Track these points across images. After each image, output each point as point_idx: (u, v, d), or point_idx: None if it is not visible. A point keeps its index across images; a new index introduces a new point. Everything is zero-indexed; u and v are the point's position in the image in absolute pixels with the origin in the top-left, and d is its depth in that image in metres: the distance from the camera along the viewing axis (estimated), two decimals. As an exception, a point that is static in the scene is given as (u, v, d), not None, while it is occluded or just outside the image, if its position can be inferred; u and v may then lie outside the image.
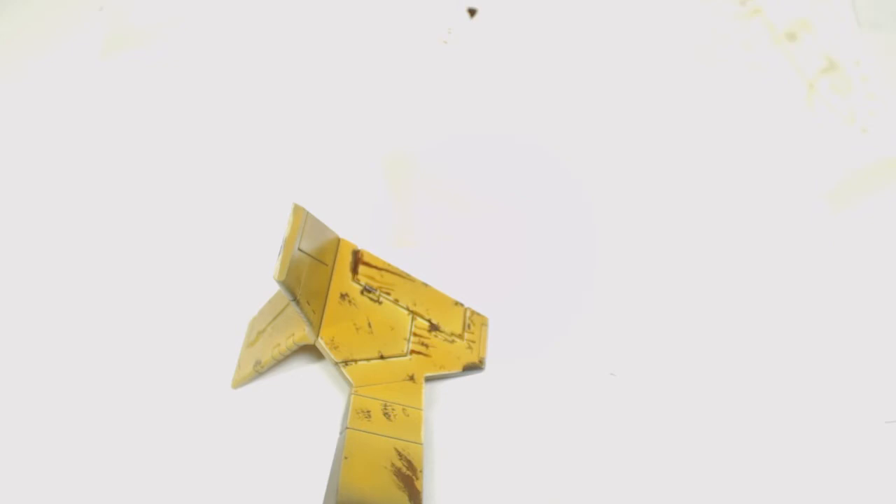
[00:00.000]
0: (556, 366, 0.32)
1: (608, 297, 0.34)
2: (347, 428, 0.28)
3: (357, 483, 0.27)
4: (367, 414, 0.29)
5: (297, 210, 0.29)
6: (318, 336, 0.30)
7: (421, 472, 0.29)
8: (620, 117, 0.39)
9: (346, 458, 0.28)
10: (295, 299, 0.28)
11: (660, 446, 0.30)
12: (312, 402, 0.32)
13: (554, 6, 0.44)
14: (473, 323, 0.33)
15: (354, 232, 0.32)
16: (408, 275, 0.33)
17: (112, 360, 0.32)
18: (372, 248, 0.33)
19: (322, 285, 0.30)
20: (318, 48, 0.44)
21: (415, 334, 0.32)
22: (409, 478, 0.28)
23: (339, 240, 0.32)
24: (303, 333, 0.30)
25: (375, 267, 0.32)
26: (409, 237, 0.35)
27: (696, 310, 0.33)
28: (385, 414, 0.29)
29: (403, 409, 0.30)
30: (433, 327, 0.32)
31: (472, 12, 0.44)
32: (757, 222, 0.35)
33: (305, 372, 0.32)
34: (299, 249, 0.28)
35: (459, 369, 0.32)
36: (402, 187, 0.38)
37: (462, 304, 0.33)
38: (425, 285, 0.33)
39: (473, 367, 0.32)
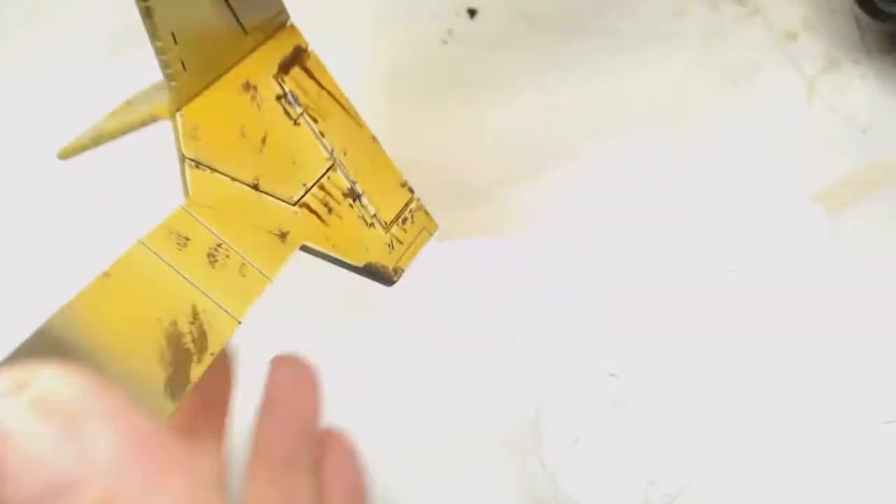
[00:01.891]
0: (557, 366, 0.32)
1: (608, 296, 0.34)
2: (138, 239, 0.18)
3: (93, 318, 0.17)
4: (183, 241, 0.18)
5: None
6: (177, 109, 0.20)
7: (209, 357, 0.18)
8: (620, 118, 0.39)
9: (106, 274, 0.17)
10: (147, 10, 0.18)
11: (657, 448, 0.30)
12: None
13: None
14: (414, 220, 0.24)
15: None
16: (358, 115, 0.23)
17: None
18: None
19: (225, 54, 0.20)
20: (317, 48, 0.44)
21: (322, 187, 0.22)
22: (185, 355, 0.18)
23: (286, 21, 0.22)
24: (166, 104, 0.20)
25: (316, 81, 0.22)
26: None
27: (695, 310, 0.33)
28: (210, 255, 0.19)
29: (242, 265, 0.19)
30: (352, 193, 0.22)
31: (472, 13, 0.44)
32: (756, 222, 0.35)
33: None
34: None
35: (359, 263, 0.22)
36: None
37: (411, 191, 0.24)
38: (374, 140, 0.23)
39: (381, 273, 0.22)
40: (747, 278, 0.34)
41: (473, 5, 0.44)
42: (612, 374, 0.32)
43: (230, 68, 0.20)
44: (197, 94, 0.20)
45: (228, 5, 0.20)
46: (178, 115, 0.20)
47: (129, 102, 0.24)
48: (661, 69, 0.40)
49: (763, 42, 0.41)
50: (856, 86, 0.39)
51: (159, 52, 0.19)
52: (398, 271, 0.23)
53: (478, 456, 0.31)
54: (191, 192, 0.19)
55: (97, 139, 0.21)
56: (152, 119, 0.20)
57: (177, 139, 0.20)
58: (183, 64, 0.19)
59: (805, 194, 0.36)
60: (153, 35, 0.18)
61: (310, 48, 0.22)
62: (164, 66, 0.19)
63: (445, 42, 0.43)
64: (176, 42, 0.19)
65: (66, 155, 0.23)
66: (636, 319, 0.33)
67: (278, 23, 0.22)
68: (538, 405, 0.31)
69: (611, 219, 0.36)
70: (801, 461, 0.29)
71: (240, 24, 0.20)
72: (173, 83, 0.19)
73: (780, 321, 0.32)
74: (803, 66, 0.40)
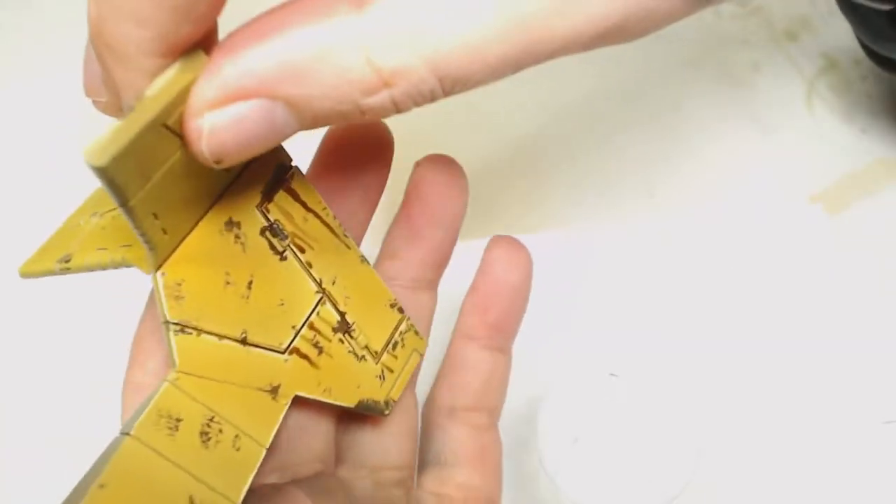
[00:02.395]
0: (557, 366, 0.32)
1: (608, 296, 0.34)
2: (129, 434, 0.17)
3: None
4: (175, 424, 0.17)
5: (196, 61, 0.16)
6: (157, 268, 0.18)
7: None
8: (620, 118, 0.39)
9: (101, 485, 0.16)
10: (125, 205, 0.16)
11: (657, 447, 0.30)
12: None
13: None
14: (404, 343, 0.22)
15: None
16: (346, 235, 0.21)
17: None
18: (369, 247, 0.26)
19: (202, 194, 0.18)
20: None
21: (312, 326, 0.20)
22: None
23: None
24: (144, 253, 0.18)
25: (303, 203, 0.20)
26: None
27: (695, 310, 0.33)
28: (203, 434, 0.18)
29: (236, 437, 0.18)
30: (342, 326, 0.21)
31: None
32: (756, 222, 0.35)
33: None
34: (166, 126, 0.16)
35: (352, 404, 0.21)
36: (404, 188, 0.38)
37: (401, 311, 0.22)
38: (363, 261, 0.21)
39: (372, 409, 0.21)
40: (747, 278, 0.34)
41: (473, 5, 0.44)
42: (612, 374, 0.32)
43: (211, 207, 0.19)
44: (177, 246, 0.18)
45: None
46: (158, 276, 0.18)
47: (93, 210, 0.21)
48: (661, 69, 0.40)
49: (763, 42, 0.41)
50: (856, 86, 0.39)
51: (142, 234, 0.17)
52: (389, 404, 0.22)
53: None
54: (178, 363, 0.18)
55: (65, 269, 0.19)
56: (127, 266, 0.18)
57: (159, 303, 0.18)
58: (164, 230, 0.17)
59: (805, 194, 0.36)
60: (136, 226, 0.17)
61: (293, 164, 0.20)
62: (144, 239, 0.17)
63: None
64: (157, 218, 0.17)
65: (28, 274, 0.21)
66: (636, 319, 0.33)
67: None
68: (538, 405, 0.31)
69: (610, 219, 0.36)
70: (801, 461, 0.29)
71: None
72: (154, 250, 0.17)
73: (780, 321, 0.32)
74: (803, 66, 0.40)
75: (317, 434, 0.21)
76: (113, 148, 0.15)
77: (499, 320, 0.23)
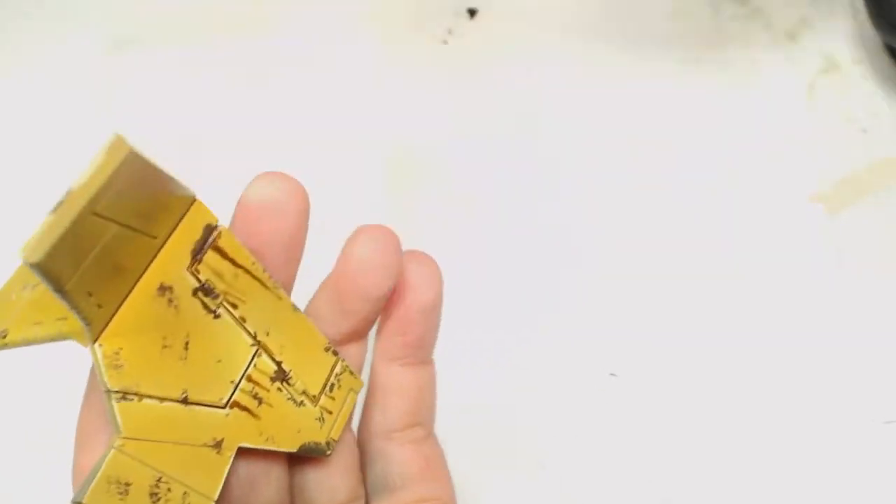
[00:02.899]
0: (557, 366, 0.32)
1: (608, 296, 0.34)
2: (81, 503, 0.18)
3: None
4: (124, 489, 0.18)
5: (118, 147, 0.17)
6: (95, 340, 0.19)
7: None
8: (620, 118, 0.39)
9: None
10: (61, 291, 0.17)
11: (658, 447, 0.30)
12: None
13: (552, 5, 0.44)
14: (340, 384, 0.23)
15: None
16: (277, 287, 0.22)
17: None
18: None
19: (134, 264, 0.19)
20: (318, 48, 0.44)
21: (250, 379, 0.21)
22: None
23: (192, 201, 0.20)
24: (80, 326, 0.19)
25: (232, 261, 0.21)
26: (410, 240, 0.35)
27: (695, 309, 0.33)
28: (153, 495, 0.19)
29: (185, 494, 0.19)
30: (280, 375, 0.21)
31: (472, 13, 0.44)
32: (756, 222, 0.35)
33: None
34: (96, 214, 0.17)
35: (294, 448, 0.22)
36: (405, 190, 0.39)
37: (336, 354, 0.23)
38: (295, 310, 0.22)
39: (314, 450, 0.22)
40: (747, 278, 0.34)
41: (473, 5, 0.44)
42: (612, 374, 0.32)
43: (142, 275, 0.19)
44: (112, 316, 0.19)
45: (132, 229, 0.19)
46: (96, 348, 0.19)
47: (24, 282, 0.21)
48: (661, 69, 0.40)
49: (763, 42, 0.41)
50: (856, 86, 0.39)
51: (78, 312, 0.18)
52: (331, 444, 0.22)
53: (478, 456, 0.31)
54: (122, 430, 0.19)
55: (2, 345, 0.20)
56: (65, 339, 0.19)
57: (99, 373, 0.19)
58: (98, 305, 0.18)
59: (805, 194, 0.36)
60: (72, 307, 0.18)
61: (219, 224, 0.21)
62: (81, 316, 0.18)
63: (445, 42, 0.43)
64: (91, 295, 0.18)
65: None
66: (636, 319, 0.33)
67: (184, 206, 0.20)
68: (537, 405, 0.31)
69: (610, 218, 0.36)
70: (801, 461, 0.29)
71: (148, 235, 0.19)
72: (90, 325, 0.18)
73: (780, 321, 0.32)
74: (803, 66, 0.40)
75: (268, 483, 0.22)
76: (46, 243, 0.16)
77: (418, 339, 0.24)
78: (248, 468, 0.21)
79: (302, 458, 0.23)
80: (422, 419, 0.25)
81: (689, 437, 0.30)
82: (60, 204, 0.16)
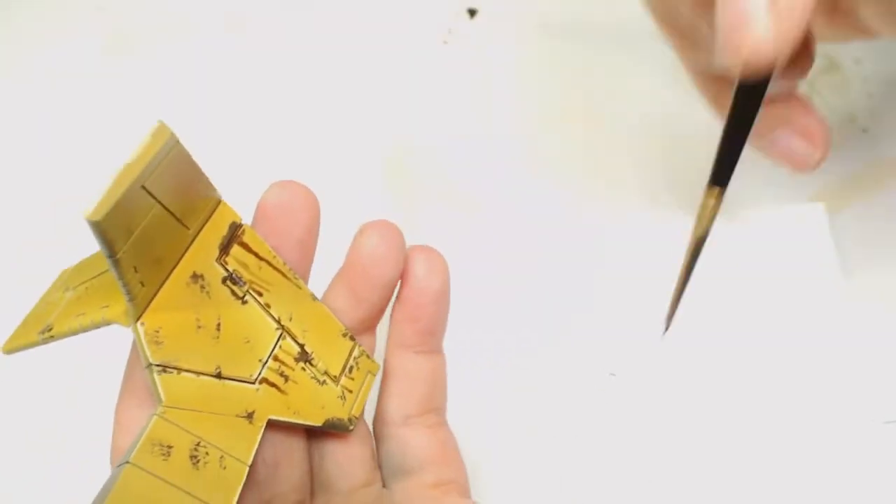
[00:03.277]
0: (558, 365, 0.32)
1: (608, 296, 0.34)
2: (128, 462, 0.19)
3: None
4: (167, 450, 0.20)
5: (162, 131, 0.20)
6: (137, 319, 0.21)
7: None
8: (620, 118, 0.39)
9: None
10: (113, 257, 0.19)
11: (658, 447, 0.30)
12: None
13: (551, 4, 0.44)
14: (358, 367, 0.25)
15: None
16: (297, 277, 0.24)
17: None
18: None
19: (171, 252, 0.21)
20: (318, 48, 0.44)
21: (276, 358, 0.23)
22: None
23: (219, 202, 0.23)
24: (122, 310, 0.21)
25: (256, 254, 0.23)
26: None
27: (695, 309, 0.33)
28: (192, 457, 0.20)
29: (221, 458, 0.21)
30: (303, 356, 0.24)
31: (472, 13, 0.44)
32: (756, 222, 0.35)
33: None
34: (144, 188, 0.19)
35: (319, 423, 0.23)
36: (405, 189, 0.38)
37: (353, 339, 0.25)
38: (314, 299, 0.24)
39: (338, 426, 0.24)
40: (747, 278, 0.34)
41: (473, 5, 0.44)
42: (612, 374, 0.32)
43: (177, 264, 0.22)
44: (151, 299, 0.21)
45: (171, 213, 0.21)
46: (139, 326, 0.21)
47: (66, 286, 0.24)
48: (660, 69, 0.40)
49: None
50: (856, 86, 0.39)
51: (124, 284, 0.20)
52: (353, 420, 0.24)
53: (478, 456, 0.31)
54: (164, 399, 0.21)
55: (47, 338, 0.22)
56: (108, 324, 0.21)
57: (141, 349, 0.21)
58: (142, 283, 0.20)
59: (805, 194, 0.36)
60: (121, 276, 0.20)
61: (243, 222, 0.23)
62: (126, 290, 0.20)
63: (445, 42, 0.43)
64: (137, 271, 0.20)
65: (11, 349, 0.23)
66: (636, 319, 0.33)
67: (212, 205, 0.23)
68: (538, 405, 0.31)
69: (610, 218, 0.36)
70: (801, 461, 0.29)
71: (183, 225, 0.22)
72: (133, 301, 0.20)
73: (780, 321, 0.32)
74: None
75: (291, 466, 0.23)
76: (107, 205, 0.18)
77: (429, 326, 0.25)
78: (272, 451, 0.23)
79: (320, 442, 0.24)
80: (436, 405, 0.26)
81: (689, 437, 0.30)
82: (117, 173, 0.19)
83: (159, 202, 0.20)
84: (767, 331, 0.32)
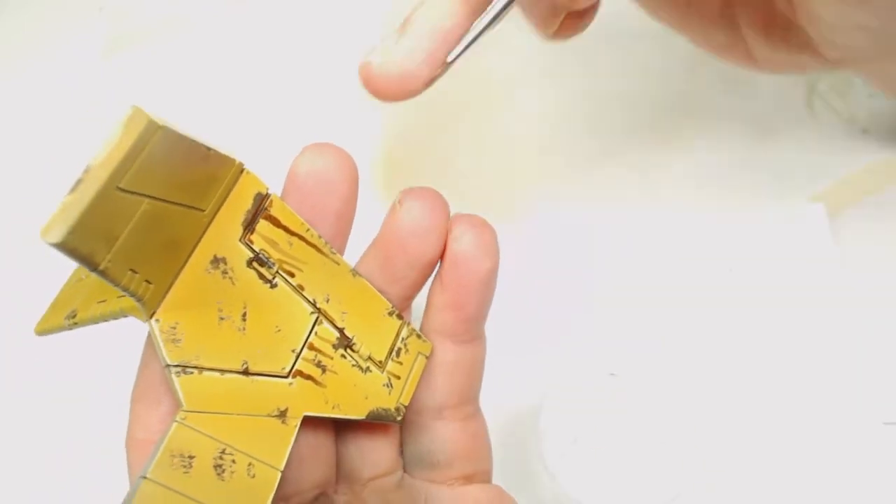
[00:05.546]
0: (557, 366, 0.32)
1: (608, 296, 0.34)
2: (144, 477, 0.17)
3: None
4: (188, 461, 0.18)
5: (135, 120, 0.17)
6: (151, 315, 0.18)
7: None
8: (620, 118, 0.39)
9: None
10: (96, 269, 0.16)
11: (658, 447, 0.30)
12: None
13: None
14: (407, 349, 0.22)
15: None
16: (333, 252, 0.21)
17: None
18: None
19: (183, 240, 0.19)
20: (319, 49, 0.44)
21: (311, 347, 0.20)
22: None
23: (241, 170, 0.20)
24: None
25: (286, 228, 0.20)
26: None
27: (695, 309, 0.33)
28: (217, 467, 0.18)
29: (250, 465, 0.18)
30: (343, 342, 0.21)
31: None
32: (756, 222, 0.35)
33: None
34: (120, 189, 0.16)
35: (362, 415, 0.21)
36: (402, 186, 0.38)
37: (401, 317, 0.22)
38: (355, 274, 0.21)
39: (384, 417, 0.21)
40: (747, 278, 0.34)
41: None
42: (612, 374, 0.32)
43: (194, 248, 0.19)
44: (167, 290, 0.19)
45: (171, 203, 0.18)
46: (153, 323, 0.18)
47: None
48: (661, 69, 0.40)
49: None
50: (856, 86, 0.39)
51: (122, 289, 0.18)
52: (400, 410, 0.22)
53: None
54: (184, 403, 0.18)
55: (72, 325, 0.20)
56: (125, 315, 0.19)
57: (158, 348, 0.19)
58: (147, 281, 0.18)
59: (805, 194, 0.36)
60: (115, 284, 0.17)
61: (270, 192, 0.21)
62: (128, 293, 0.18)
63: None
64: (136, 272, 0.18)
65: (43, 331, 0.21)
66: (636, 319, 0.33)
67: (232, 176, 0.20)
68: (538, 405, 0.31)
69: (610, 218, 0.36)
70: (801, 462, 0.29)
71: (192, 209, 0.19)
72: (141, 300, 0.18)
73: (780, 321, 0.32)
74: (803, 66, 0.40)
75: (317, 459, 0.21)
76: (65, 224, 0.15)
77: (474, 313, 0.22)
78: (297, 447, 0.21)
79: (344, 432, 0.22)
80: (472, 395, 0.24)
81: (689, 438, 0.30)
82: (79, 182, 0.16)
83: (148, 196, 0.17)
84: (767, 331, 0.32)
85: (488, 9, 0.21)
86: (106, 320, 0.20)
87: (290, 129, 0.41)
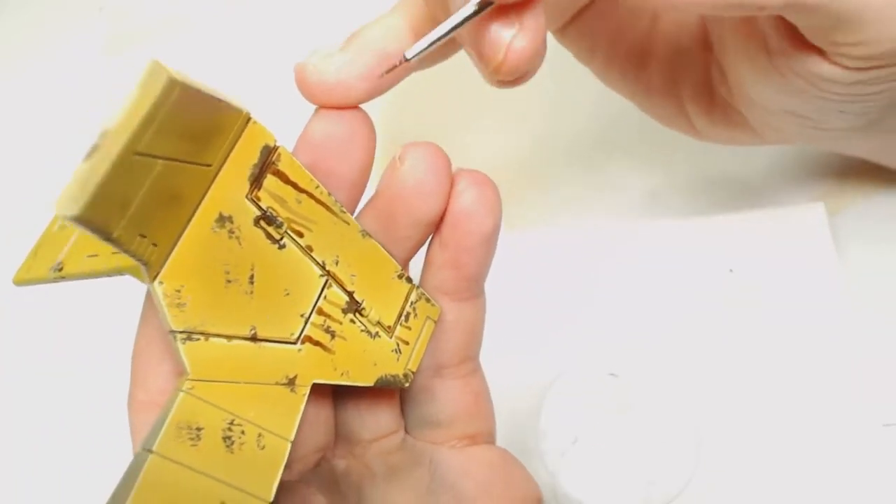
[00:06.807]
0: (557, 366, 0.32)
1: (608, 296, 0.34)
2: (151, 451, 0.16)
3: None
4: (196, 433, 0.17)
5: (154, 76, 0.15)
6: (154, 278, 0.17)
7: None
8: (620, 119, 0.39)
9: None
10: (110, 238, 0.16)
11: (657, 448, 0.30)
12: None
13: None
14: (416, 313, 0.21)
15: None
16: (343, 211, 0.20)
17: None
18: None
19: (188, 195, 0.18)
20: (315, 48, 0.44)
21: (321, 312, 0.20)
22: None
23: (247, 120, 0.19)
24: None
25: (294, 185, 0.19)
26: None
27: (695, 309, 0.33)
28: (226, 438, 0.18)
29: (259, 436, 0.18)
30: (352, 306, 0.20)
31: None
32: (756, 221, 0.35)
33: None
34: (139, 153, 0.15)
35: (371, 382, 0.20)
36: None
37: (410, 280, 0.21)
38: (365, 235, 0.20)
39: (392, 384, 0.21)
40: (747, 278, 0.34)
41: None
42: (612, 374, 0.32)
43: (198, 205, 0.18)
44: (171, 252, 0.18)
45: (182, 161, 0.17)
46: (156, 286, 0.17)
47: None
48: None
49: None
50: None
51: (131, 255, 0.16)
52: (409, 376, 0.21)
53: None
54: (190, 371, 0.18)
55: (58, 277, 0.19)
56: (121, 273, 0.18)
57: (162, 314, 0.18)
58: (154, 244, 0.17)
59: (805, 194, 0.36)
60: (125, 251, 0.16)
61: (278, 144, 0.20)
62: (135, 257, 0.17)
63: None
64: (145, 236, 0.17)
65: (22, 282, 0.20)
66: (636, 319, 0.33)
67: (238, 126, 0.19)
68: (538, 405, 0.31)
69: (611, 219, 0.36)
70: (801, 463, 0.29)
71: (200, 164, 0.18)
72: (146, 264, 0.17)
73: (780, 321, 0.32)
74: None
75: (318, 425, 0.21)
76: (82, 196, 0.14)
77: (474, 272, 0.22)
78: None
79: (343, 395, 0.22)
80: (473, 353, 0.23)
81: (689, 438, 0.30)
82: (95, 148, 0.15)
83: (163, 157, 0.16)
84: (766, 331, 0.32)
85: (452, 17, 0.21)
86: (96, 277, 0.18)
87: (290, 129, 0.41)
